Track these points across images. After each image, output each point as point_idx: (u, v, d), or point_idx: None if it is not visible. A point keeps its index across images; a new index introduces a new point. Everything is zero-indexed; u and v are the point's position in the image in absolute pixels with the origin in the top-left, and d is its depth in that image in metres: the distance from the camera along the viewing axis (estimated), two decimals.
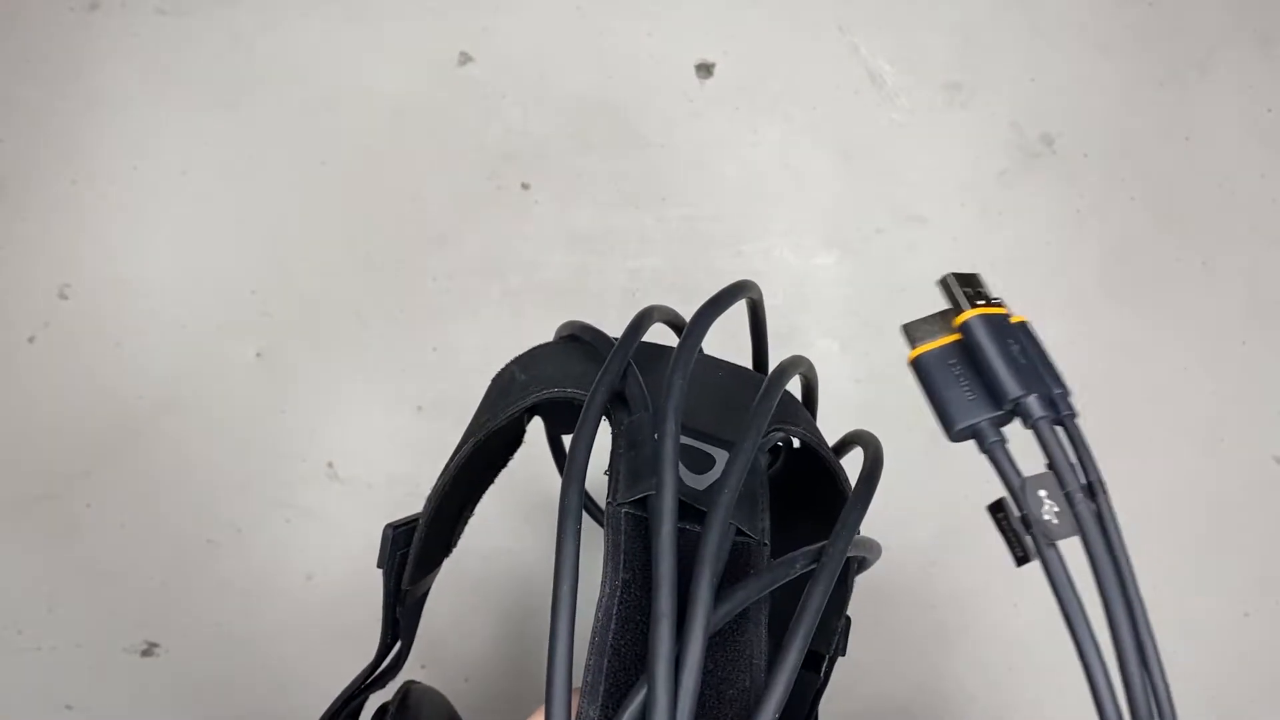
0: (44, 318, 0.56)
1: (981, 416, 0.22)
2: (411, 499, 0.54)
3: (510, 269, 0.57)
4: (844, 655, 0.36)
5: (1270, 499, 0.51)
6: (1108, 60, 0.61)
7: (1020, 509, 0.21)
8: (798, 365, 0.29)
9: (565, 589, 0.23)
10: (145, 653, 0.53)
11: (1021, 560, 0.22)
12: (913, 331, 0.24)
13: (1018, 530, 0.22)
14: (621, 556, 0.25)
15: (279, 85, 0.59)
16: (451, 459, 0.31)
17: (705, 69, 0.60)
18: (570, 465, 0.24)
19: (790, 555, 0.24)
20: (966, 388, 0.23)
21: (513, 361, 0.32)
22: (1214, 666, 0.54)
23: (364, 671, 0.34)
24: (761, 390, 0.26)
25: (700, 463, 0.27)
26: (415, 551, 0.33)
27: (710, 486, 0.26)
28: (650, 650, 0.22)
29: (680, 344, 0.26)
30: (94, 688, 0.53)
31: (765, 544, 0.26)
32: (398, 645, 0.34)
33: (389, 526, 0.33)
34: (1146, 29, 0.61)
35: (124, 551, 0.54)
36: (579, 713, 0.23)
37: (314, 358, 0.56)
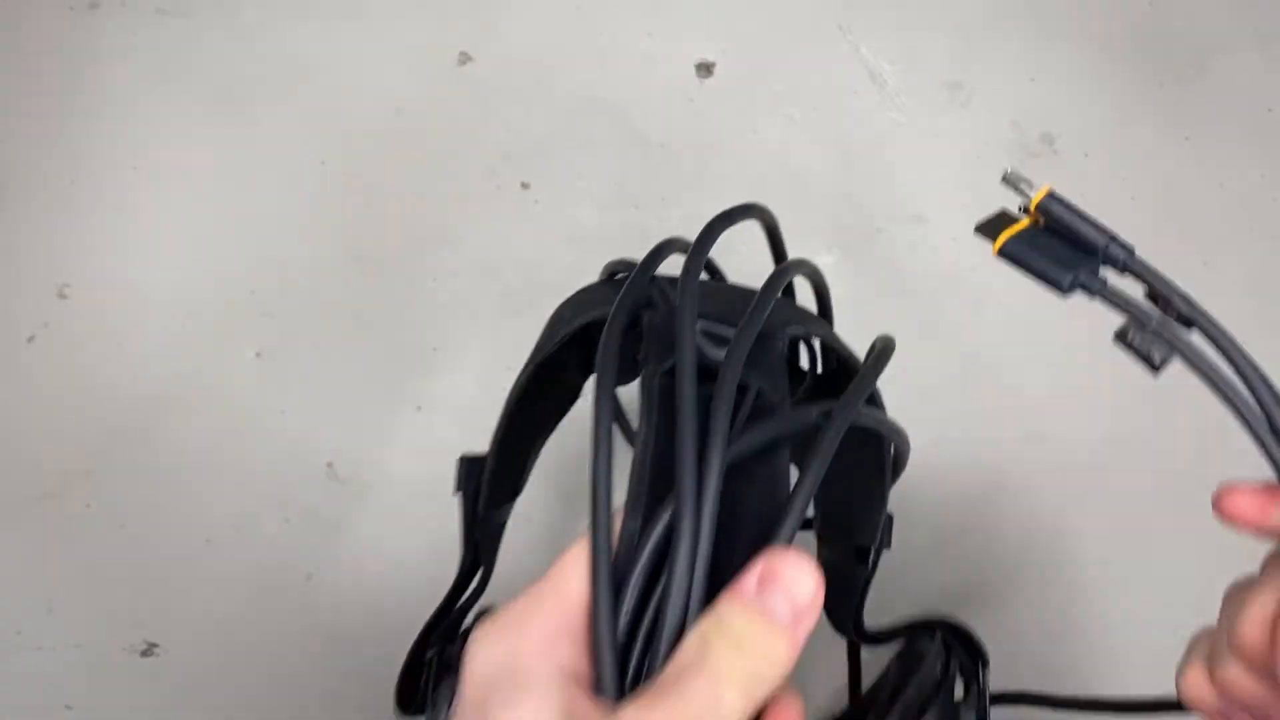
0: (44, 318, 0.56)
1: (1082, 268, 0.27)
2: (412, 499, 0.54)
3: (510, 269, 0.57)
4: (889, 548, 0.38)
5: None
6: (1108, 60, 0.61)
7: (1145, 323, 0.27)
8: (801, 266, 0.33)
9: (603, 429, 0.27)
10: (145, 653, 0.53)
11: (1159, 366, 0.27)
12: (989, 229, 0.28)
13: (1145, 345, 0.27)
14: (655, 413, 0.28)
15: (279, 85, 0.59)
16: (509, 396, 0.35)
17: (705, 69, 0.60)
18: (607, 336, 0.29)
19: (806, 405, 0.28)
20: (1057, 252, 0.27)
21: (562, 303, 0.36)
22: None
23: (450, 593, 0.38)
24: (771, 275, 0.31)
25: (720, 341, 0.30)
26: (487, 481, 0.37)
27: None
28: (678, 467, 0.25)
29: (694, 245, 0.31)
30: (94, 688, 0.53)
31: (787, 399, 0.30)
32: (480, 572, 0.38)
33: (463, 457, 0.37)
34: (1146, 29, 0.61)
35: (124, 551, 0.54)
36: (623, 525, 0.26)
37: (314, 358, 0.56)
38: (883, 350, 0.32)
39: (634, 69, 0.60)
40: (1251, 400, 0.27)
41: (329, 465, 0.55)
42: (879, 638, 0.39)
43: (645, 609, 0.25)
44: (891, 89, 0.60)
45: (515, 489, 0.39)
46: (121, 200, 0.58)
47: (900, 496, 0.36)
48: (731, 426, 0.27)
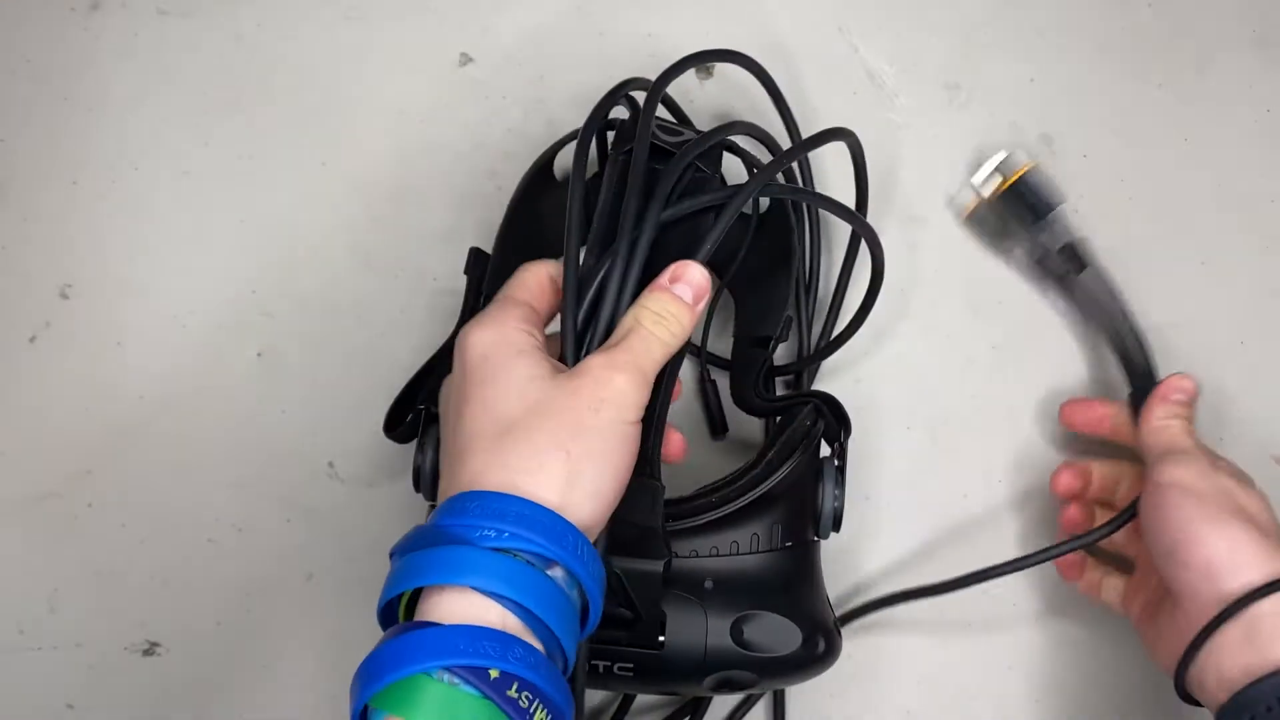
0: (45, 317, 0.56)
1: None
2: (414, 499, 0.54)
3: None
4: (785, 341, 0.50)
5: (1270, 498, 0.51)
6: (1108, 60, 0.61)
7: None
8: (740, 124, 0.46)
9: (577, 186, 0.38)
10: (145, 652, 0.53)
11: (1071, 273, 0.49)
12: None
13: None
14: (614, 181, 0.38)
15: (280, 86, 0.60)
16: (511, 196, 0.48)
17: (705, 69, 0.60)
18: (586, 125, 0.41)
19: (736, 185, 0.40)
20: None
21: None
22: None
23: (442, 348, 0.46)
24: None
25: (673, 133, 0.41)
26: (489, 274, 0.45)
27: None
28: (621, 220, 0.37)
29: (665, 70, 0.43)
30: (94, 687, 0.53)
31: (721, 177, 0.42)
32: None
33: (473, 248, 0.46)
34: (1146, 30, 0.61)
35: (124, 551, 0.54)
36: (583, 261, 0.37)
37: (314, 358, 0.56)
38: (825, 132, 0.45)
39: (634, 69, 0.60)
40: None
41: (329, 465, 0.55)
42: (767, 409, 0.48)
43: (596, 314, 0.36)
44: (890, 89, 0.60)
45: None
46: (123, 200, 0.58)
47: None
48: (672, 194, 0.38)
